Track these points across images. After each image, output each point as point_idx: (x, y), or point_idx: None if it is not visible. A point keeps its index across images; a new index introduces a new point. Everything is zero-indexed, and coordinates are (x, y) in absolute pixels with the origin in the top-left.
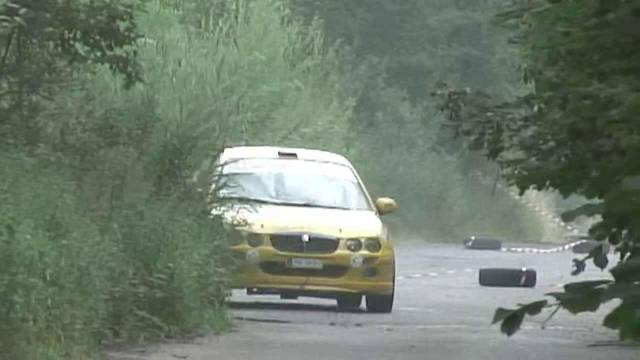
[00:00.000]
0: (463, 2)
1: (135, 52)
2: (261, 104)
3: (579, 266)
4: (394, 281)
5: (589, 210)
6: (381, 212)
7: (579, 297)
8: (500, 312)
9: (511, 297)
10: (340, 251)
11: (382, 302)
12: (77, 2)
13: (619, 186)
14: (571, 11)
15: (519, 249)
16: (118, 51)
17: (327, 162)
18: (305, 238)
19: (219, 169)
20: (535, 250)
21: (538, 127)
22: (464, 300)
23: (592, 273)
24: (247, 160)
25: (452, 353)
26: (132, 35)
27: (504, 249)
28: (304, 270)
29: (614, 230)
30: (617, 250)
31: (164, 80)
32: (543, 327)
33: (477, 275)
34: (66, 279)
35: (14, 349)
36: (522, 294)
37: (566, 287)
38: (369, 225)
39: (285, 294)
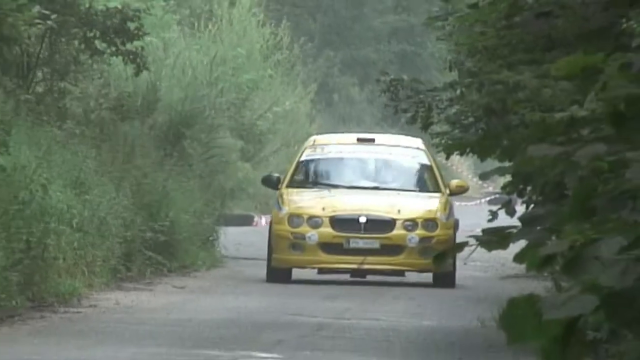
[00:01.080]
0: (400, 8)
1: (142, 48)
2: (241, 89)
3: (494, 215)
4: (454, 258)
5: (501, 171)
6: (453, 193)
7: (494, 239)
8: (437, 254)
9: None
10: (397, 231)
11: (444, 279)
12: (96, 8)
13: (525, 152)
14: (486, 15)
15: None
16: (129, 47)
17: (401, 146)
18: (363, 219)
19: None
20: (458, 203)
21: (460, 106)
22: None
23: (504, 220)
24: (327, 146)
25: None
26: (140, 33)
27: None
28: (361, 250)
29: (520, 187)
30: (523, 202)
31: (165, 71)
32: (465, 263)
33: None
34: (89, 226)
35: (48, 281)
36: None
37: (483, 231)
38: (428, 206)
39: (353, 273)
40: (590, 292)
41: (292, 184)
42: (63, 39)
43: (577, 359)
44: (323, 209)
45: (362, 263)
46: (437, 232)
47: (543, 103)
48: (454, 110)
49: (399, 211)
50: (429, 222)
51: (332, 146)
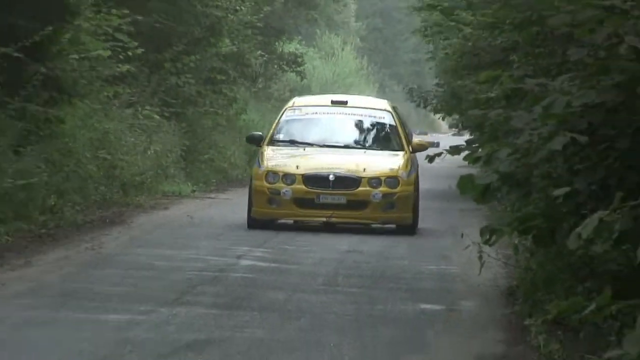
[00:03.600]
0: None
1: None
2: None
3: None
4: (415, 212)
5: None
6: (414, 150)
7: (453, 149)
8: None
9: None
10: (362, 188)
11: (405, 229)
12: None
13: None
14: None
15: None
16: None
17: (370, 107)
18: (332, 177)
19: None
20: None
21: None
22: None
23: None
24: (304, 108)
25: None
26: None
27: None
28: (330, 205)
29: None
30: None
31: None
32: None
33: None
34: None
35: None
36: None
37: (450, 147)
38: (391, 164)
39: (325, 223)
40: (495, 173)
41: (272, 142)
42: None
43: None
44: (297, 167)
45: (330, 216)
46: (399, 188)
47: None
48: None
49: (364, 169)
50: (391, 180)
51: (309, 107)
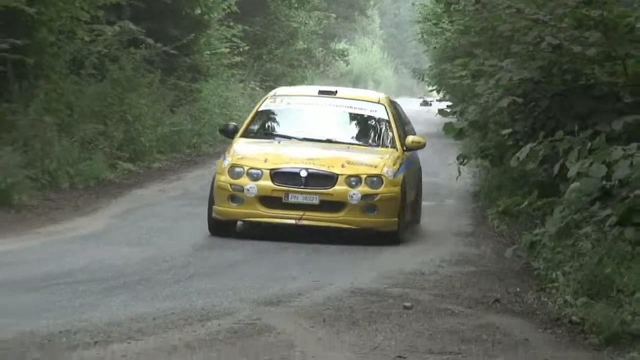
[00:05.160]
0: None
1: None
2: None
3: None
4: (400, 217)
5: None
6: (409, 148)
7: (442, 112)
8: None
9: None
10: (338, 187)
11: (387, 237)
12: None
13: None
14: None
15: None
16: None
17: (362, 99)
18: (304, 174)
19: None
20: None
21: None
22: None
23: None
24: (287, 98)
25: None
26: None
27: None
28: (301, 205)
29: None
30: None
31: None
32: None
33: None
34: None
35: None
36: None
37: (438, 109)
38: (375, 162)
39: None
40: (466, 121)
41: (246, 134)
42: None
43: (462, 138)
44: (265, 160)
45: (300, 218)
46: (382, 189)
47: (455, 72)
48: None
49: (342, 166)
50: (374, 179)
51: (292, 97)
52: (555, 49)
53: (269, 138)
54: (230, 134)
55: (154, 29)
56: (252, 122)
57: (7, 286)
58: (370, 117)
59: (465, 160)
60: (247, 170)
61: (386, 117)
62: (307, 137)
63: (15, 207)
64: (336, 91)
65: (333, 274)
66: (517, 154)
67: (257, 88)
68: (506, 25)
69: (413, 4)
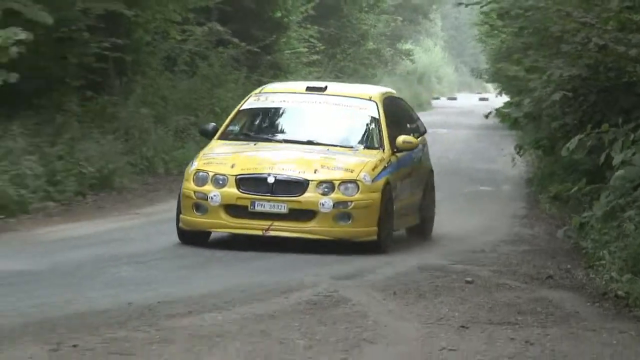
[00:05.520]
0: None
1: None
2: None
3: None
4: (381, 226)
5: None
6: (400, 149)
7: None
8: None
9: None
10: (308, 194)
11: (367, 247)
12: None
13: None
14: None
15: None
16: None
17: (352, 96)
18: (271, 180)
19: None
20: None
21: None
22: None
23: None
24: (272, 95)
25: None
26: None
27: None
28: (268, 214)
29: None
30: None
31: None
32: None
33: None
34: None
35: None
36: None
37: (496, 109)
38: (352, 165)
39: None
40: (521, 112)
41: (224, 136)
42: None
43: (517, 129)
44: (232, 166)
45: (268, 228)
46: (357, 195)
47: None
48: None
49: (315, 171)
50: (349, 185)
51: (278, 95)
52: (601, 49)
53: (246, 140)
54: (210, 135)
55: (239, 30)
56: (232, 122)
57: (111, 261)
58: (358, 116)
59: (522, 151)
60: (212, 176)
61: (376, 116)
62: (286, 138)
63: (117, 190)
64: (326, 87)
65: (402, 252)
66: (567, 145)
67: None
68: (556, 26)
69: (466, 6)
